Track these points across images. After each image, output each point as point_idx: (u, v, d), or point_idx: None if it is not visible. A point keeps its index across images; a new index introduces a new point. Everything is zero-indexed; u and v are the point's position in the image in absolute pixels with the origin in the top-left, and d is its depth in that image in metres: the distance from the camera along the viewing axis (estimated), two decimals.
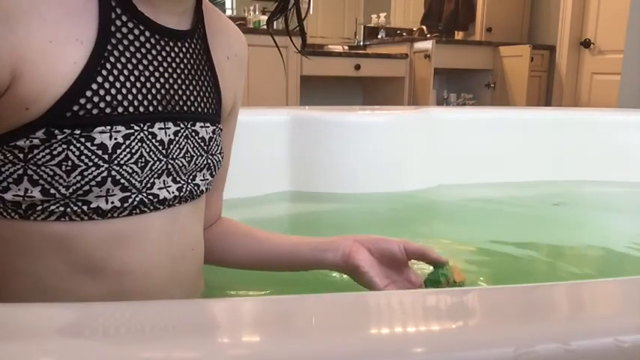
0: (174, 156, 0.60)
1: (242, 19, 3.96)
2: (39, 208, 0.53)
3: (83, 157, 0.52)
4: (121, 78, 0.55)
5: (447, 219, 1.47)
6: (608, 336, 0.38)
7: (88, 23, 0.53)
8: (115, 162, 0.54)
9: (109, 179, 0.54)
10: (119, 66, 0.55)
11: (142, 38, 0.57)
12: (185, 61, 0.62)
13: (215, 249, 0.77)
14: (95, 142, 0.52)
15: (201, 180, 0.65)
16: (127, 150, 0.55)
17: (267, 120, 1.49)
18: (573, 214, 1.50)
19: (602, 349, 0.38)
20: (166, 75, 0.59)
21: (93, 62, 0.52)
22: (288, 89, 3.59)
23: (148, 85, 0.57)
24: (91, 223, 0.55)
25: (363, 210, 1.46)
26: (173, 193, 0.61)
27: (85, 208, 0.54)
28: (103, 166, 0.53)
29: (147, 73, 0.57)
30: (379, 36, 4.64)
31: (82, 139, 0.52)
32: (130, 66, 0.55)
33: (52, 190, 0.52)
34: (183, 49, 0.62)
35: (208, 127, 0.65)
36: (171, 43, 0.60)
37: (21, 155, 0.51)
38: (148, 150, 0.57)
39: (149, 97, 0.57)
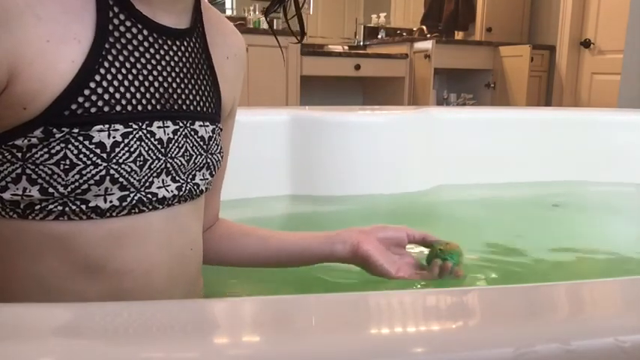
0: (173, 155, 0.60)
1: (242, 19, 3.96)
2: (37, 207, 0.53)
3: (82, 156, 0.52)
4: (119, 76, 0.54)
5: (447, 219, 1.47)
6: (608, 336, 0.38)
7: (86, 22, 0.53)
8: (114, 161, 0.54)
9: (108, 178, 0.54)
10: (117, 64, 0.54)
11: (140, 37, 0.57)
12: (184, 59, 0.62)
13: (218, 251, 0.77)
14: (93, 141, 0.52)
15: (200, 179, 0.65)
16: (126, 149, 0.54)
17: (267, 120, 1.49)
18: (573, 215, 1.50)
19: (602, 349, 0.38)
20: (164, 74, 0.59)
21: (91, 61, 0.52)
22: (288, 89, 3.59)
23: (147, 83, 0.57)
24: (89, 223, 0.55)
25: (363, 210, 1.46)
26: (172, 192, 0.61)
27: (83, 207, 0.54)
28: (101, 164, 0.53)
29: (145, 72, 0.57)
30: (379, 36, 4.64)
31: (81, 138, 0.52)
32: (127, 64, 0.55)
33: (51, 189, 0.52)
34: (182, 48, 0.62)
35: (208, 126, 0.65)
36: (169, 42, 0.60)
37: (19, 154, 0.51)
38: (146, 149, 0.56)
39: (147, 95, 0.57)
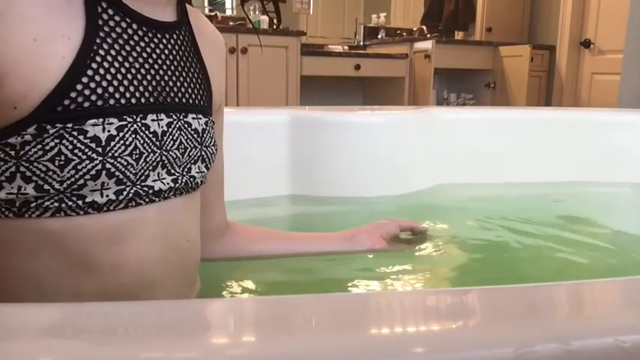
0: (168, 148, 0.60)
1: (242, 19, 3.96)
2: (33, 204, 0.53)
3: (76, 151, 0.52)
4: (112, 70, 0.54)
5: (447, 219, 1.47)
6: (608, 336, 0.38)
7: (74, 18, 0.53)
8: (110, 154, 0.53)
9: (104, 172, 0.53)
10: (109, 58, 0.54)
11: (130, 31, 0.57)
12: (174, 52, 0.62)
13: (237, 255, 0.83)
14: (88, 135, 0.52)
15: (197, 172, 0.65)
16: (121, 142, 0.54)
17: (267, 120, 1.49)
18: (573, 214, 1.49)
19: (602, 349, 0.38)
20: (156, 66, 0.59)
21: (82, 56, 0.52)
22: (288, 89, 3.59)
23: (139, 76, 0.57)
24: (86, 218, 0.55)
25: (363, 209, 1.46)
26: (168, 184, 0.61)
27: (80, 202, 0.54)
28: (97, 159, 0.53)
29: (137, 65, 0.57)
30: (379, 36, 4.64)
31: (75, 133, 0.51)
32: (120, 58, 0.55)
33: (46, 186, 0.52)
34: (172, 41, 0.62)
35: (201, 118, 0.65)
36: (159, 35, 0.60)
37: (12, 152, 0.51)
38: (142, 142, 0.56)
39: (140, 88, 0.57)
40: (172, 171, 0.61)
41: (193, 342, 0.38)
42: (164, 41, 0.61)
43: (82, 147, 0.52)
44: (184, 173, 0.63)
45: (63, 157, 0.51)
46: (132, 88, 0.56)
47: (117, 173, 0.55)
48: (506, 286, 0.49)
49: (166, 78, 0.60)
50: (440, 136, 1.65)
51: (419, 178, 1.60)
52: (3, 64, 0.49)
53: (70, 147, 0.51)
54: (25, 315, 0.41)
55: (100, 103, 0.53)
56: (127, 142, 0.55)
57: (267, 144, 1.46)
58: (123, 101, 0.55)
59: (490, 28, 4.51)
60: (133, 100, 0.56)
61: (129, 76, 0.56)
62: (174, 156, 0.61)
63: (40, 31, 0.50)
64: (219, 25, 3.79)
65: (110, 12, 0.55)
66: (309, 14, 4.32)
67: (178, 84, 0.62)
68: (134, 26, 0.57)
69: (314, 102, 3.85)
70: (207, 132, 0.66)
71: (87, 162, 0.52)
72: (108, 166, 0.54)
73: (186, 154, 0.63)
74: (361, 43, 4.62)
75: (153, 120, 0.58)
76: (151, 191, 0.59)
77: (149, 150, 0.57)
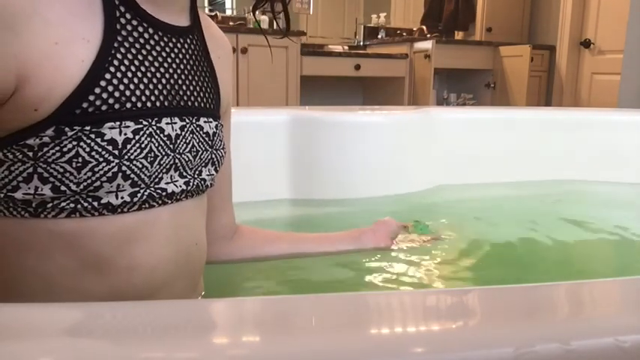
0: (181, 151, 0.61)
1: (242, 19, 3.96)
2: (49, 205, 0.53)
3: (94, 153, 0.52)
4: (129, 74, 0.55)
5: (447, 219, 1.47)
6: (608, 336, 0.38)
7: (93, 22, 0.53)
8: (126, 157, 0.54)
9: (120, 174, 0.54)
10: (126, 62, 0.55)
11: (146, 35, 0.58)
12: (187, 56, 0.63)
13: (244, 257, 0.84)
14: (105, 138, 0.53)
15: (207, 175, 0.66)
16: (137, 145, 0.55)
17: (267, 120, 1.49)
18: (573, 214, 1.49)
19: (602, 349, 0.38)
20: (171, 70, 0.60)
21: (100, 60, 0.53)
22: (288, 89, 3.59)
23: (155, 80, 0.58)
24: (100, 219, 0.55)
25: (363, 210, 1.46)
26: (180, 187, 0.62)
27: (95, 204, 0.54)
28: (113, 161, 0.53)
29: (152, 69, 0.58)
30: (379, 36, 4.64)
31: (92, 135, 0.52)
32: (136, 62, 0.56)
33: (63, 187, 0.53)
34: (185, 45, 0.63)
35: (211, 122, 0.66)
36: (173, 40, 0.61)
37: (30, 154, 0.51)
38: (156, 145, 0.57)
39: (156, 92, 0.58)
40: (184, 173, 0.62)
41: (193, 342, 0.38)
42: (178, 46, 0.62)
43: (99, 149, 0.52)
44: (196, 176, 0.64)
45: (80, 159, 0.52)
46: (147, 92, 0.57)
47: (132, 176, 0.55)
48: (506, 286, 0.49)
49: (180, 82, 0.61)
50: (440, 136, 1.65)
51: (419, 178, 1.60)
52: (26, 67, 0.49)
53: (88, 149, 0.52)
54: (25, 315, 0.41)
55: (117, 106, 0.54)
56: (143, 145, 0.56)
57: (267, 144, 1.47)
58: (139, 105, 0.56)
59: (490, 28, 4.51)
60: (149, 104, 0.57)
61: (145, 80, 0.57)
62: (187, 159, 0.62)
63: (61, 35, 0.51)
64: (219, 25, 3.79)
65: (128, 16, 0.56)
66: (309, 14, 4.32)
67: (191, 88, 0.63)
68: (150, 31, 0.58)
69: (314, 102, 3.85)
70: (217, 135, 0.67)
71: (104, 164, 0.53)
72: (124, 168, 0.54)
73: (198, 157, 0.64)
74: (361, 43, 4.62)
75: (167, 123, 0.59)
76: (164, 193, 0.60)
77: (163, 153, 0.58)
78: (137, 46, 0.57)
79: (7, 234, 0.55)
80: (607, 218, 1.49)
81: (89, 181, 0.53)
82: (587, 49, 4.15)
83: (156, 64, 0.58)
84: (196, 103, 0.63)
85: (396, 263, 0.97)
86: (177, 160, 0.60)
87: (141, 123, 0.55)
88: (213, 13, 4.02)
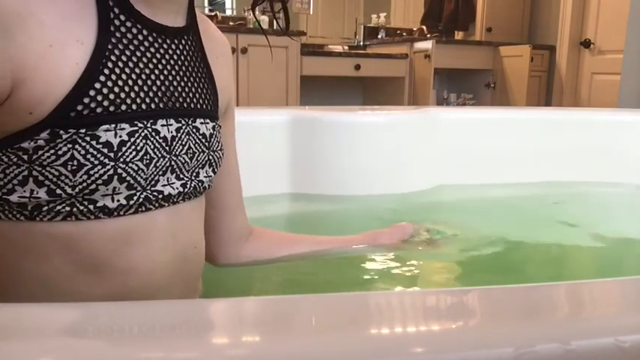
0: (177, 152, 0.60)
1: (242, 19, 3.96)
2: (45, 208, 0.53)
3: (89, 156, 0.52)
4: (123, 76, 0.55)
5: (447, 219, 1.47)
6: (608, 336, 0.38)
7: (88, 24, 0.53)
8: (121, 160, 0.54)
9: (116, 177, 0.54)
10: (120, 64, 0.55)
11: (140, 37, 0.57)
12: (182, 57, 0.62)
13: (262, 259, 0.83)
14: (100, 141, 0.52)
15: (204, 177, 0.66)
16: (132, 147, 0.55)
17: (267, 120, 1.49)
18: (573, 215, 1.49)
19: (602, 349, 0.38)
20: (165, 72, 0.60)
21: (94, 62, 0.53)
22: (288, 89, 3.59)
23: (149, 82, 0.57)
24: (97, 222, 0.55)
25: (363, 210, 1.46)
26: (177, 189, 0.61)
27: (91, 207, 0.54)
28: (109, 164, 0.53)
29: (147, 71, 0.57)
30: (379, 36, 4.64)
31: (88, 138, 0.52)
32: (130, 64, 0.56)
33: (58, 190, 0.52)
34: (180, 46, 0.62)
35: (208, 123, 0.65)
36: (168, 41, 0.60)
37: (25, 157, 0.51)
38: (152, 147, 0.57)
39: (150, 94, 0.57)
40: (181, 176, 0.62)
41: (193, 342, 0.38)
42: (173, 46, 0.61)
43: (95, 152, 0.52)
44: (193, 178, 0.64)
45: (75, 162, 0.52)
46: (142, 94, 0.56)
47: (128, 178, 0.55)
48: (506, 286, 0.49)
49: (175, 83, 0.61)
50: (440, 136, 1.65)
51: (419, 178, 1.60)
52: (22, 70, 0.49)
53: (83, 152, 0.52)
54: (25, 315, 0.41)
55: (112, 108, 0.53)
56: (138, 148, 0.55)
57: (267, 144, 1.47)
58: (134, 107, 0.55)
59: (490, 28, 4.51)
60: (144, 106, 0.56)
61: (139, 82, 0.56)
62: (183, 161, 0.62)
63: (56, 37, 0.51)
64: (219, 25, 3.79)
65: (122, 18, 0.56)
66: (309, 14, 4.32)
67: (187, 89, 0.62)
68: (145, 32, 0.58)
69: (314, 102, 3.85)
70: (214, 136, 0.66)
71: (99, 167, 0.53)
72: (119, 171, 0.54)
73: (195, 159, 0.63)
74: (361, 43, 4.62)
75: (163, 125, 0.58)
76: (160, 196, 0.59)
77: (159, 155, 0.58)
78: (131, 47, 0.56)
79: (4, 237, 0.55)
80: (607, 218, 1.49)
81: (85, 184, 0.53)
82: (587, 49, 4.15)
83: (151, 65, 0.58)
84: (192, 105, 0.63)
85: (397, 264, 0.97)
86: (173, 162, 0.60)
87: (136, 125, 0.55)
88: (213, 13, 4.02)
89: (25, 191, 0.52)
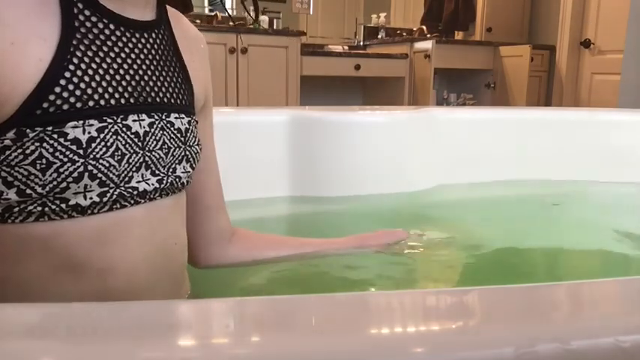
0: (151, 148, 0.59)
1: (241, 19, 3.96)
2: (16, 209, 0.52)
3: (57, 154, 0.51)
4: (90, 72, 0.54)
5: (447, 219, 1.47)
6: (608, 336, 0.38)
7: (51, 21, 0.53)
8: (91, 156, 0.53)
9: (86, 174, 0.53)
10: (86, 60, 0.54)
11: (107, 31, 0.57)
12: (153, 52, 0.62)
13: (245, 261, 0.82)
14: (68, 138, 0.52)
15: (182, 172, 0.65)
16: (102, 143, 0.54)
17: (267, 120, 1.49)
18: (573, 214, 1.49)
19: (602, 349, 0.38)
20: (135, 67, 0.59)
21: (59, 58, 0.52)
22: (288, 89, 3.59)
23: (118, 77, 0.57)
24: (71, 221, 0.54)
25: (364, 210, 1.46)
26: (153, 185, 0.60)
27: (63, 205, 0.53)
28: (78, 161, 0.52)
29: (115, 66, 0.57)
30: (379, 36, 4.64)
31: (55, 136, 0.51)
32: (97, 59, 0.55)
33: (29, 191, 0.52)
34: (150, 40, 0.61)
35: (183, 118, 0.64)
36: (137, 35, 0.60)
37: None
38: (123, 143, 0.56)
39: (120, 89, 0.57)
40: (157, 172, 0.61)
41: (193, 342, 0.38)
42: (142, 40, 0.60)
43: (63, 150, 0.52)
44: (169, 173, 0.63)
45: (44, 161, 0.51)
46: (111, 89, 0.56)
47: (99, 175, 0.54)
48: (506, 286, 0.49)
49: (146, 78, 0.60)
50: (440, 136, 1.65)
51: (419, 178, 1.60)
52: None
53: (51, 150, 0.51)
54: (24, 315, 0.41)
55: (79, 105, 0.53)
56: (109, 144, 0.55)
57: (267, 144, 1.46)
58: (102, 102, 0.55)
59: (490, 28, 4.51)
60: (113, 101, 0.56)
61: (107, 77, 0.56)
62: (158, 156, 0.61)
63: (18, 35, 0.50)
64: (219, 25, 3.79)
65: (87, 13, 0.55)
66: (309, 14, 4.32)
67: (159, 83, 0.62)
68: (111, 27, 0.57)
69: (314, 102, 3.85)
70: (190, 131, 0.65)
71: (68, 165, 0.52)
72: (90, 168, 0.53)
73: (170, 154, 0.62)
74: (361, 43, 4.62)
75: (134, 120, 0.58)
76: (135, 192, 0.58)
77: (131, 151, 0.57)
78: (98, 42, 0.55)
79: None
80: (607, 218, 1.49)
81: (55, 182, 0.52)
82: (587, 49, 4.15)
83: (119, 60, 0.57)
84: (165, 99, 0.62)
85: (397, 264, 0.96)
86: (147, 158, 0.59)
87: (105, 121, 0.54)
88: (213, 13, 4.02)
89: None
